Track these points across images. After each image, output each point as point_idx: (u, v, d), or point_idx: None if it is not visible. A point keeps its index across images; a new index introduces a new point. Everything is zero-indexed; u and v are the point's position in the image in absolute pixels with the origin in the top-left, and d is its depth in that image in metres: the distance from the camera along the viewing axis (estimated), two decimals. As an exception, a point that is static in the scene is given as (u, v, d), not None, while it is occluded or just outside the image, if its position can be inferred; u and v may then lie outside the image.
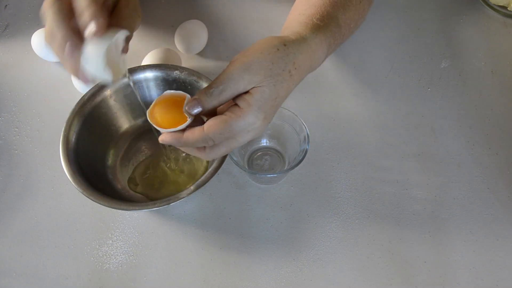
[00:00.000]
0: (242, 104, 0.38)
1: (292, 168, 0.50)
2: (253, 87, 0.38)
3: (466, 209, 0.53)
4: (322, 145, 0.58)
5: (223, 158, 0.48)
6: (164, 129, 0.41)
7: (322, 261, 0.51)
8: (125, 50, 0.42)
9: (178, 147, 0.41)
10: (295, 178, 0.56)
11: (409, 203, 0.54)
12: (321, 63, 0.45)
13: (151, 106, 0.42)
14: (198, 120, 0.41)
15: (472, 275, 0.50)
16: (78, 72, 0.38)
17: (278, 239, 0.52)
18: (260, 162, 0.57)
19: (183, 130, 0.40)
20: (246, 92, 0.39)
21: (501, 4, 0.68)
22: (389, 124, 0.60)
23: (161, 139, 0.40)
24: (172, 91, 0.43)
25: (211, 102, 0.39)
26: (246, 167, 0.55)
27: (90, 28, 0.37)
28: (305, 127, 0.51)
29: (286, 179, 0.56)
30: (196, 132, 0.39)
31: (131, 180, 0.56)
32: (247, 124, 0.38)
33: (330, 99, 0.61)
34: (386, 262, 0.51)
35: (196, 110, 0.39)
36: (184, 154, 0.57)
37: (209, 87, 0.39)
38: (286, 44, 0.40)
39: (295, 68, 0.40)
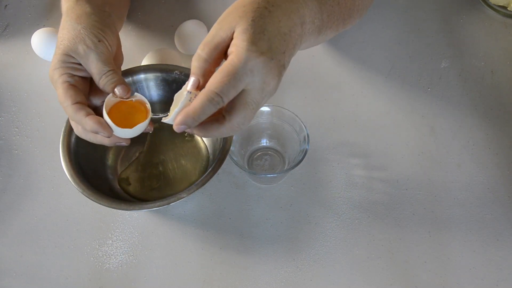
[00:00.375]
0: (231, 49, 0.38)
1: (292, 168, 0.50)
2: (234, 32, 0.38)
3: (466, 209, 0.53)
4: (322, 145, 0.58)
5: (223, 157, 0.48)
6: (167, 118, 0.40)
7: (322, 261, 0.51)
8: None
9: (194, 127, 0.39)
10: (295, 178, 0.56)
11: (409, 203, 0.54)
12: (316, 15, 0.43)
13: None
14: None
15: (472, 275, 0.50)
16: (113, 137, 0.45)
17: (278, 239, 0.52)
18: (260, 162, 0.57)
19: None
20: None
21: (501, 4, 0.67)
22: (389, 124, 0.60)
23: (175, 123, 0.38)
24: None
25: (202, 65, 0.39)
26: (246, 167, 0.55)
27: (120, 94, 0.44)
28: (305, 127, 0.51)
29: (286, 179, 0.56)
30: (199, 95, 0.38)
31: (122, 180, 0.55)
32: (243, 63, 0.37)
33: (330, 99, 0.61)
34: (386, 262, 0.51)
35: (193, 82, 0.39)
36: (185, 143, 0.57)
37: (195, 54, 0.39)
38: None
39: (272, 5, 0.39)
